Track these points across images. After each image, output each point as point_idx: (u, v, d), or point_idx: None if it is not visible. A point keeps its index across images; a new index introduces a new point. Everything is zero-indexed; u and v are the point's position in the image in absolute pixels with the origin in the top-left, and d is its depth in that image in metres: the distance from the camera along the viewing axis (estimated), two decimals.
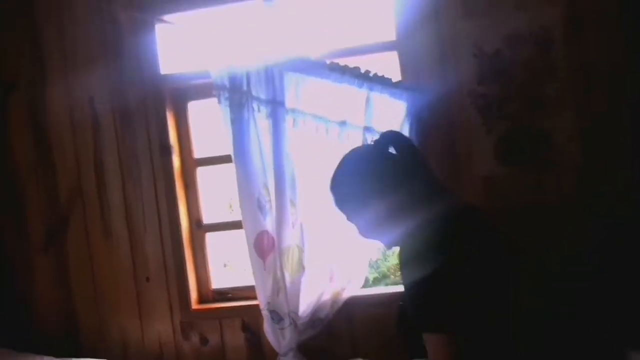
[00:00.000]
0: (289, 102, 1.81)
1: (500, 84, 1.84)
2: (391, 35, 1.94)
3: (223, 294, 2.14)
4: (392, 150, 1.28)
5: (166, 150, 2.10)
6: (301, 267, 1.81)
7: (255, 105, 1.83)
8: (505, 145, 1.84)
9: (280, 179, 1.81)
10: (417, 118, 1.84)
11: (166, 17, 1.99)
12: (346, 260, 1.88)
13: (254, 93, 1.84)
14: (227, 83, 1.86)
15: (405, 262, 1.11)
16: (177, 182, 2.10)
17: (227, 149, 1.89)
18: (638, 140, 1.78)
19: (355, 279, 1.93)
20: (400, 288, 2.05)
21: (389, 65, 1.91)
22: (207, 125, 2.21)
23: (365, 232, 1.30)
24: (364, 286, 2.01)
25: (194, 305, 2.10)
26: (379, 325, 1.90)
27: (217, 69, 1.87)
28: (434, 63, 1.89)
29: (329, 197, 1.33)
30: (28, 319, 2.21)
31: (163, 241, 2.10)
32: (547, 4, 1.82)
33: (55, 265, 2.19)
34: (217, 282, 2.17)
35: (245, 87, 1.84)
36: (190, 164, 2.16)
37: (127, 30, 2.10)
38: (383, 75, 1.79)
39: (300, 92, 1.82)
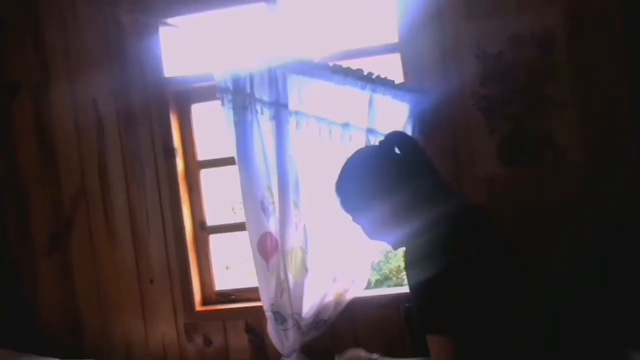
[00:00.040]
0: (292, 104, 1.82)
1: (502, 85, 1.85)
2: (394, 37, 1.95)
3: (226, 296, 2.15)
4: (397, 150, 1.29)
5: (170, 152, 2.10)
6: (304, 269, 1.82)
7: (258, 108, 1.84)
8: (507, 145, 1.85)
9: (284, 181, 1.81)
10: (420, 119, 1.85)
11: (169, 20, 2.00)
12: (349, 262, 1.88)
13: (257, 95, 1.84)
14: (230, 85, 1.86)
15: (410, 263, 1.11)
16: (181, 185, 2.11)
17: (231, 151, 1.89)
18: (639, 141, 1.79)
19: (358, 281, 1.93)
20: (403, 289, 2.07)
21: (392, 67, 1.92)
22: (210, 128, 2.21)
23: (370, 233, 1.30)
24: (366, 288, 2.01)
25: (198, 307, 2.10)
26: (382, 326, 1.91)
27: (220, 72, 1.87)
28: (437, 65, 1.90)
29: (333, 199, 1.34)
30: (32, 322, 2.21)
31: (167, 243, 2.10)
32: (548, 5, 1.83)
33: (59, 268, 2.19)
34: (220, 284, 2.17)
35: (248, 90, 1.85)
36: (193, 167, 2.16)
37: (130, 33, 2.11)
38: (386, 77, 1.80)
39: (303, 94, 1.83)
